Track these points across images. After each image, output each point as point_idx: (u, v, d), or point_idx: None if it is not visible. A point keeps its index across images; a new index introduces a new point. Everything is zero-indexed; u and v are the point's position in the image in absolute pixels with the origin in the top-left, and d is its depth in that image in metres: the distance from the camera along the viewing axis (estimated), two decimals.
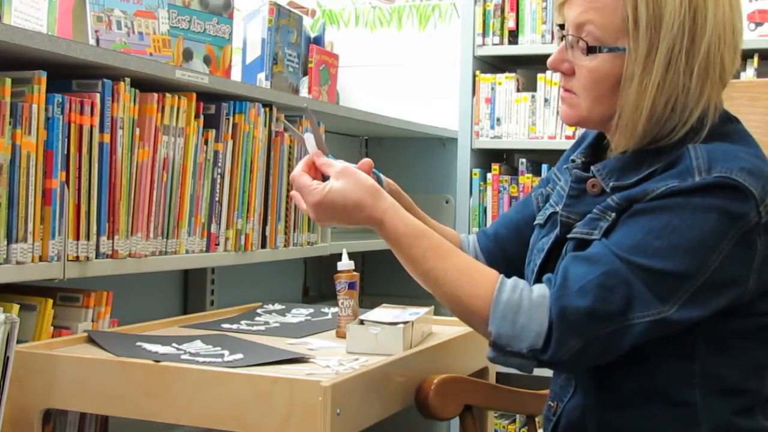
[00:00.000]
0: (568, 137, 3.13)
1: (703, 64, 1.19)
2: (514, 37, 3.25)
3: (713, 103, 1.22)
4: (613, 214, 1.21)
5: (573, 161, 1.35)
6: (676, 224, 1.15)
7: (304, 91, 2.75)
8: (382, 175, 1.44)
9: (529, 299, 1.18)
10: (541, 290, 1.19)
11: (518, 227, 1.48)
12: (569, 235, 1.27)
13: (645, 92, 1.19)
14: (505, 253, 1.49)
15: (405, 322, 1.55)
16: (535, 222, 1.41)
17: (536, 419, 1.75)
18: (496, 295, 1.19)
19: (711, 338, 1.20)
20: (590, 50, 1.22)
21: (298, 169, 1.33)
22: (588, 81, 1.24)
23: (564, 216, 1.29)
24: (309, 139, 1.35)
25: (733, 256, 1.15)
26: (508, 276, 1.27)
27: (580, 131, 1.47)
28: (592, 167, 1.27)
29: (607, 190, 1.24)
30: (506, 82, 3.26)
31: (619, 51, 1.20)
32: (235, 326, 1.80)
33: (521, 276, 1.40)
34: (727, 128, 1.24)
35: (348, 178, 1.28)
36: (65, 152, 1.60)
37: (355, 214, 1.28)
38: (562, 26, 1.28)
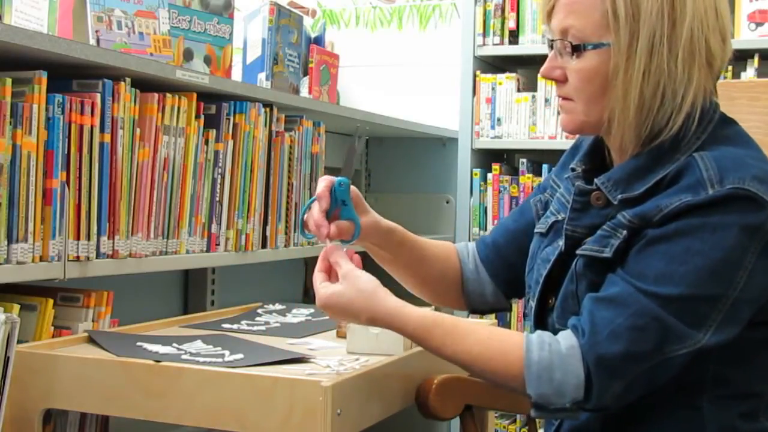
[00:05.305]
0: (568, 137, 3.12)
1: (687, 49, 1.19)
2: (514, 37, 3.25)
3: (703, 88, 1.22)
4: (625, 232, 1.19)
5: (573, 170, 1.33)
6: (697, 247, 1.13)
7: (304, 91, 2.75)
8: (374, 215, 1.43)
9: (559, 353, 1.17)
10: (569, 341, 1.18)
11: (516, 236, 1.47)
12: (579, 252, 1.24)
13: (631, 82, 1.19)
14: (506, 262, 1.47)
15: None
16: (536, 230, 1.39)
17: (536, 419, 1.74)
18: (527, 357, 1.18)
19: (727, 346, 1.17)
20: (575, 49, 1.22)
21: (318, 265, 1.33)
22: (579, 82, 1.24)
23: (569, 230, 1.27)
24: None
25: (759, 269, 1.14)
26: (509, 284, 1.24)
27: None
28: (596, 180, 1.25)
29: (615, 202, 1.22)
30: (507, 82, 3.26)
31: (604, 46, 1.21)
32: (235, 326, 1.80)
33: (522, 283, 1.40)
34: (728, 131, 1.23)
35: (348, 283, 1.28)
36: (66, 152, 1.60)
37: (360, 317, 1.28)
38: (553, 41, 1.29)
